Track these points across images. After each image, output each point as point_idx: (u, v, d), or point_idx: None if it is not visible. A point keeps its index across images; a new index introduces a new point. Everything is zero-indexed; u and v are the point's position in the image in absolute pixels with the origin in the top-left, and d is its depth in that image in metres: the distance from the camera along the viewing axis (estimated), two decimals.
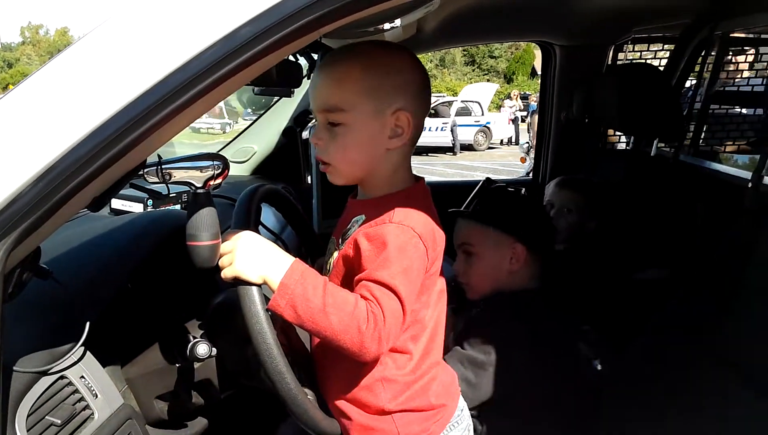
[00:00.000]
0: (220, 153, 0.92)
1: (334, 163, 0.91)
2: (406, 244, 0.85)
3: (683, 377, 1.37)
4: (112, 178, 0.75)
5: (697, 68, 2.12)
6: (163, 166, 0.84)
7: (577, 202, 2.00)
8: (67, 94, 0.65)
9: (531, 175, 3.60)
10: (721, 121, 2.11)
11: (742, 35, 2.02)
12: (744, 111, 2.11)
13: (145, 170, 0.83)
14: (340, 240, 0.95)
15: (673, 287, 1.59)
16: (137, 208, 1.53)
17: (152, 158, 0.85)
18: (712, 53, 2.05)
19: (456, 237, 1.50)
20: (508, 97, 20.32)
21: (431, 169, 11.51)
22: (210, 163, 0.87)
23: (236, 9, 0.64)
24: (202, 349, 1.01)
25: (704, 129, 2.13)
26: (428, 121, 15.25)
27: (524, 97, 19.88)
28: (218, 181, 0.89)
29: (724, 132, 2.08)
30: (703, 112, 2.10)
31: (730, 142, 2.09)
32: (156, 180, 0.85)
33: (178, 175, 0.86)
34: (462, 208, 1.54)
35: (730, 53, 2.03)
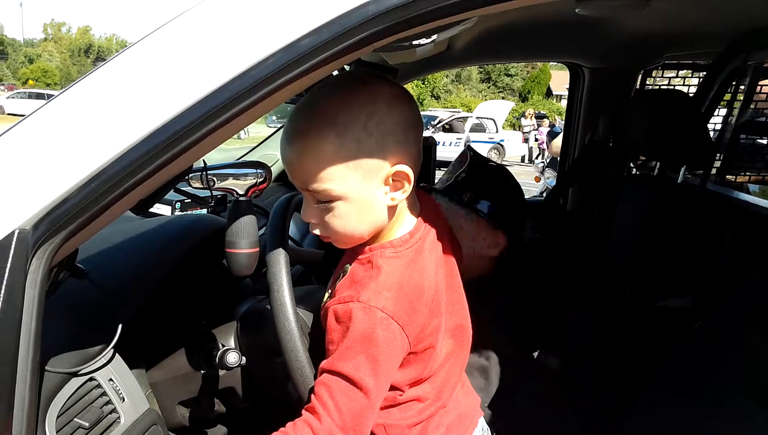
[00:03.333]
0: (261, 161, 0.92)
1: (335, 237, 0.83)
2: (372, 330, 0.76)
3: (709, 405, 1.34)
4: (160, 181, 0.74)
5: (727, 97, 2.10)
6: (208, 172, 0.84)
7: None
8: (124, 96, 0.65)
9: (545, 195, 3.56)
10: (751, 150, 2.08)
11: None
12: None
13: (191, 175, 0.83)
14: (330, 287, 0.89)
15: (697, 316, 1.56)
16: (165, 210, 1.53)
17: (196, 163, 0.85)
18: (744, 83, 2.03)
19: None
20: (523, 115, 20.24)
21: None
22: (254, 171, 0.87)
23: (298, 20, 0.64)
24: (232, 357, 1.00)
25: (733, 158, 2.11)
26: (442, 136, 15.21)
27: (540, 117, 19.76)
28: (260, 189, 0.88)
29: (753, 162, 2.06)
30: (732, 141, 2.08)
31: (758, 173, 2.07)
32: (200, 185, 0.85)
33: (221, 181, 0.86)
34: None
35: (763, 83, 2.01)
